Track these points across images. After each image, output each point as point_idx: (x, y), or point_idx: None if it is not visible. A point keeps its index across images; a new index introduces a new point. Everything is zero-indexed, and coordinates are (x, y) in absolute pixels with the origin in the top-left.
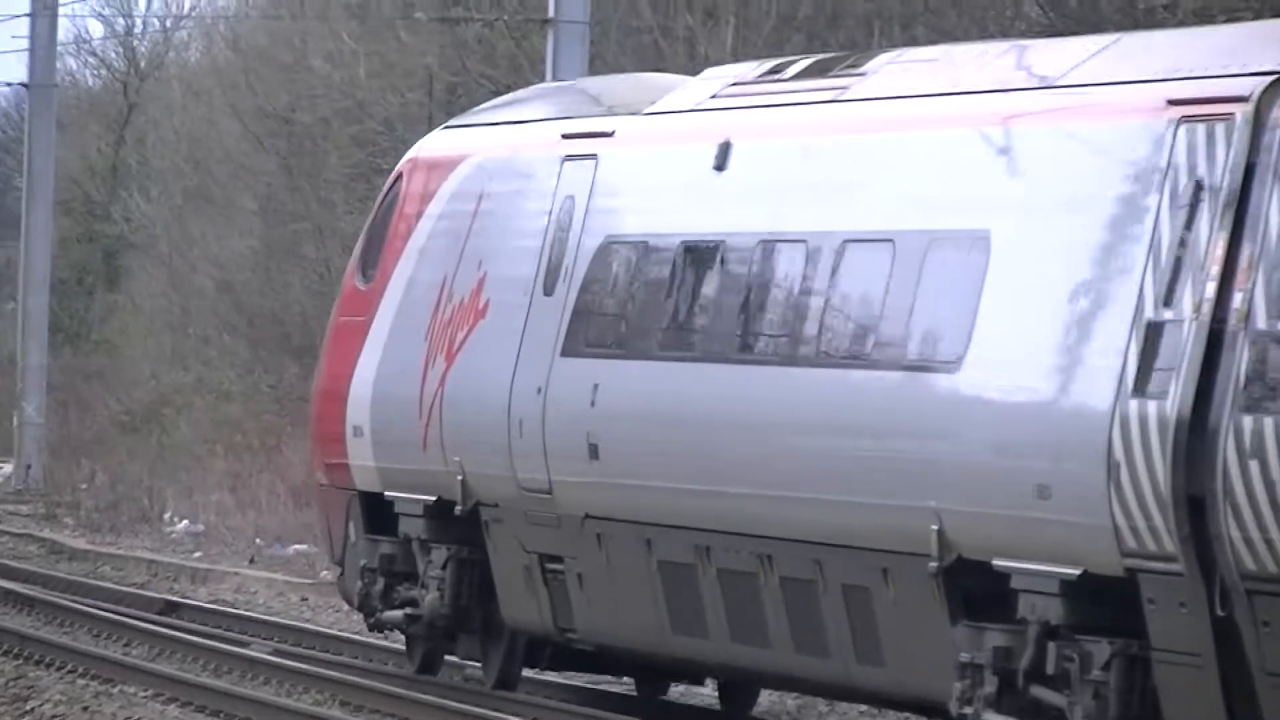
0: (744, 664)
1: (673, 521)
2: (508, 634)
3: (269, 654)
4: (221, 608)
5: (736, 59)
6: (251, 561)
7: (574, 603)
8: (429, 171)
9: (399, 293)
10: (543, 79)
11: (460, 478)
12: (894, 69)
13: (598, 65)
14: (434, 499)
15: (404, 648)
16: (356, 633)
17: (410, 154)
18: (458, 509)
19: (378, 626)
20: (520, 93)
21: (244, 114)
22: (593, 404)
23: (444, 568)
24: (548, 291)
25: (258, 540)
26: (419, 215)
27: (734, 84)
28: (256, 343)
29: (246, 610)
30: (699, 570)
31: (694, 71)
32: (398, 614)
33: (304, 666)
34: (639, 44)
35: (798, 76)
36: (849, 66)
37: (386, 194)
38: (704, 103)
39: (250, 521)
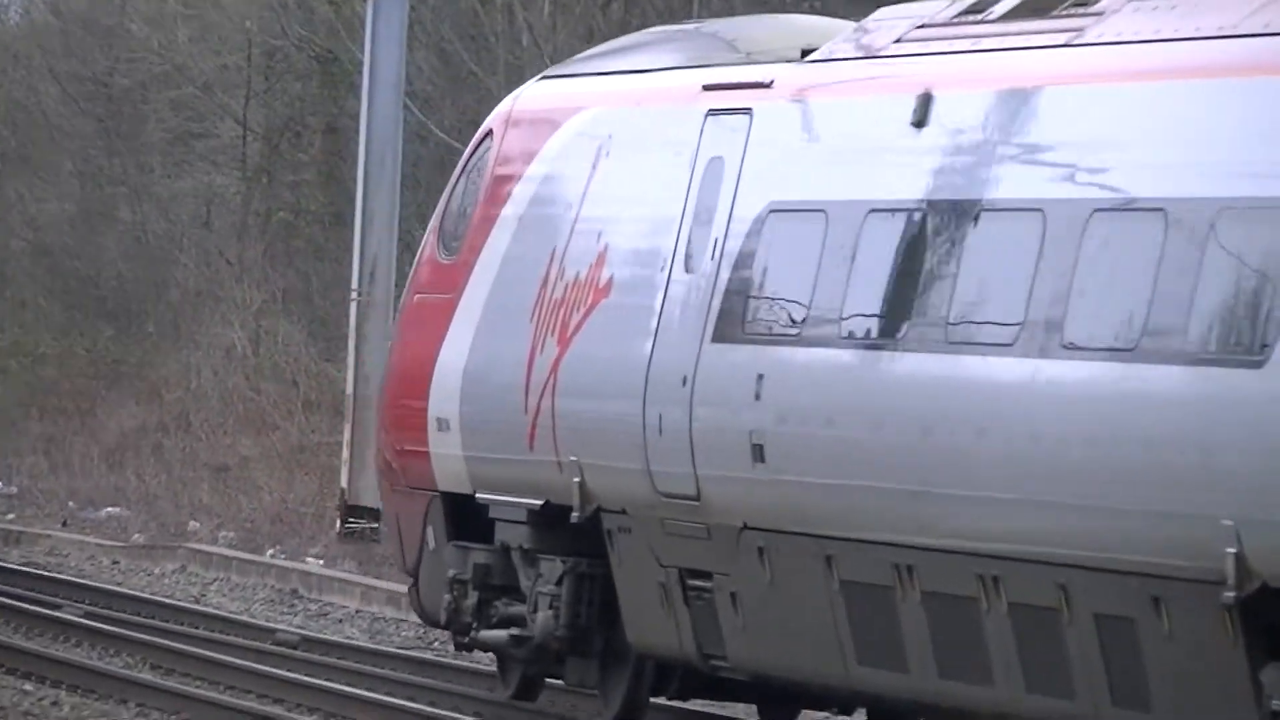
0: (954, 703)
1: (863, 535)
2: (633, 659)
3: (80, 617)
4: (33, 570)
5: (555, 23)
6: (64, 524)
7: (724, 626)
8: (529, 128)
9: (493, 267)
10: (362, 46)
11: (578, 480)
12: (1139, 6)
13: (416, 30)
14: (541, 503)
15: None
16: (168, 597)
17: (502, 108)
18: (574, 515)
19: (471, 646)
20: (631, 38)
21: (62, 77)
22: (757, 397)
23: (559, 583)
24: (690, 268)
25: (70, 503)
26: (517, 178)
27: (923, 26)
28: (72, 306)
29: (58, 573)
30: (897, 593)
31: (514, 37)
32: (500, 634)
33: (115, 629)
34: (456, 10)
35: (1007, 17)
36: (1075, 5)
37: (472, 154)
38: (887, 48)
39: (63, 484)
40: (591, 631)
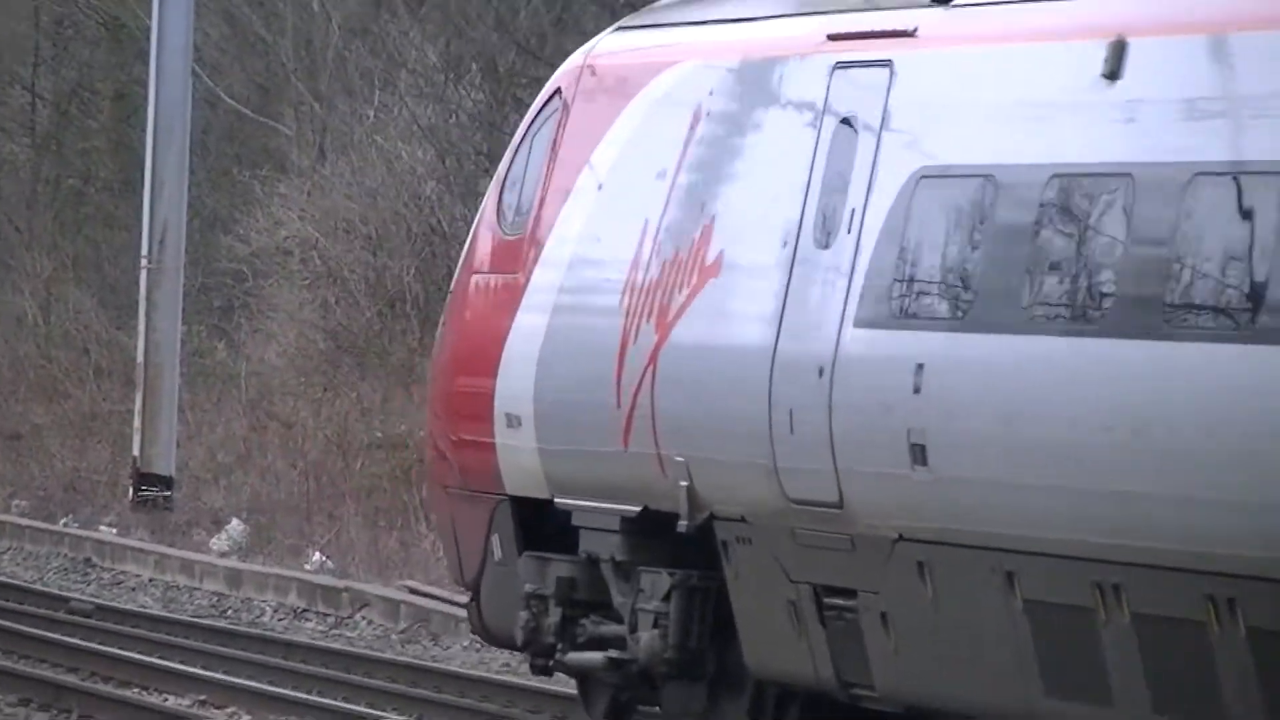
0: None
1: (1055, 549)
2: (751, 685)
3: None
4: None
5: None
6: None
7: (871, 651)
8: (607, 86)
9: (569, 243)
10: (149, 12)
11: (685, 484)
12: None
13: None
14: (638, 509)
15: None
16: None
17: (572, 63)
18: (682, 524)
19: (555, 670)
20: None
21: None
22: (916, 390)
23: (665, 599)
24: (823, 243)
25: None
26: (594, 143)
27: None
28: None
29: None
30: (1099, 615)
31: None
32: (594, 657)
33: None
34: None
35: None
36: None
37: (537, 115)
38: None
39: None
40: (703, 653)
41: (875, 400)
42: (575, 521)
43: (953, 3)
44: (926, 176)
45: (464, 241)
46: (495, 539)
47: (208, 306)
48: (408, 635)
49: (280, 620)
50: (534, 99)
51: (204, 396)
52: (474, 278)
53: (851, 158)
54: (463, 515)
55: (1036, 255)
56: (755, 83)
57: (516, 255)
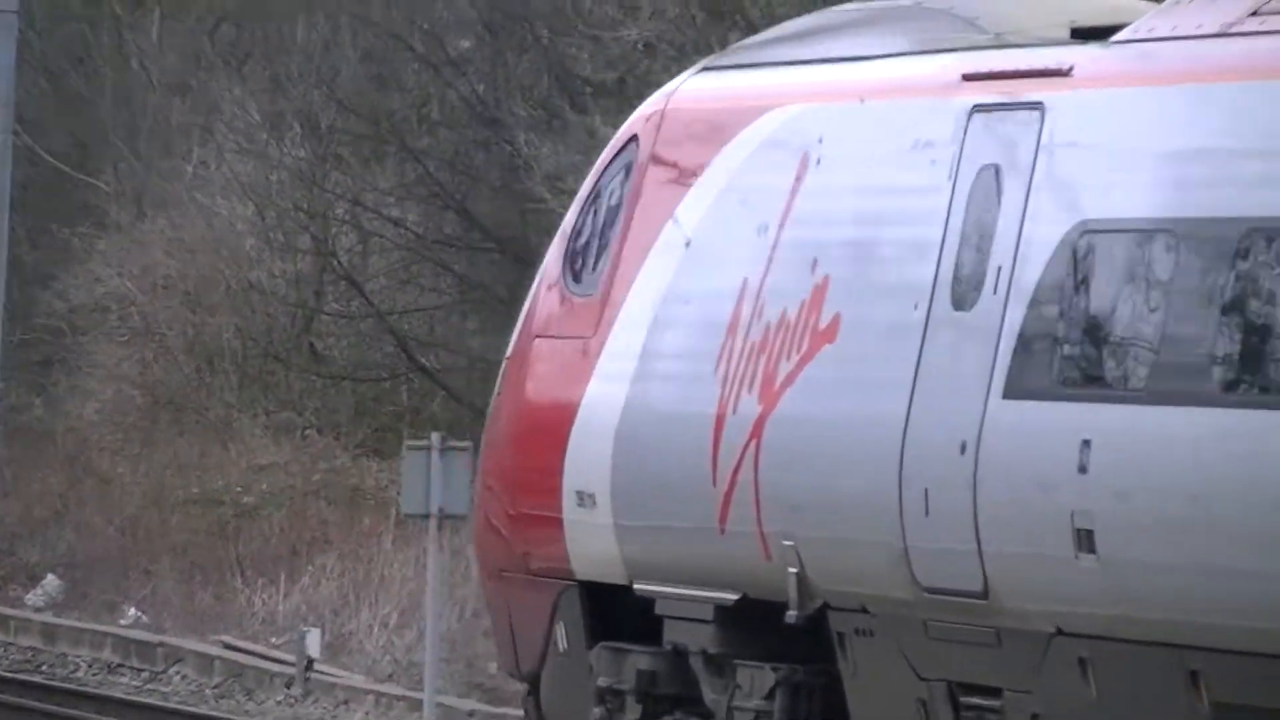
0: None
1: (1250, 645)
2: None
3: None
4: None
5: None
6: None
7: None
8: (693, 131)
9: (650, 303)
10: None
11: (795, 571)
12: None
13: (24, 52)
14: (736, 597)
15: None
16: None
17: (650, 108)
18: (790, 614)
19: None
20: (824, 16)
21: None
22: (1082, 469)
23: (768, 697)
24: (961, 304)
25: None
26: (679, 194)
27: None
28: None
29: None
30: None
31: (123, 59)
32: None
33: None
34: (64, 32)
35: None
36: None
37: (610, 165)
38: (1241, 23)
39: None
40: None
41: (1030, 479)
42: (659, 610)
43: (1112, 39)
44: (1092, 231)
45: (283, 296)
46: (560, 627)
47: (26, 362)
48: (221, 690)
49: (95, 675)
50: (356, 155)
51: (21, 452)
52: (536, 342)
53: (995, 210)
54: (521, 600)
55: (1229, 320)
56: (875, 129)
57: (587, 318)
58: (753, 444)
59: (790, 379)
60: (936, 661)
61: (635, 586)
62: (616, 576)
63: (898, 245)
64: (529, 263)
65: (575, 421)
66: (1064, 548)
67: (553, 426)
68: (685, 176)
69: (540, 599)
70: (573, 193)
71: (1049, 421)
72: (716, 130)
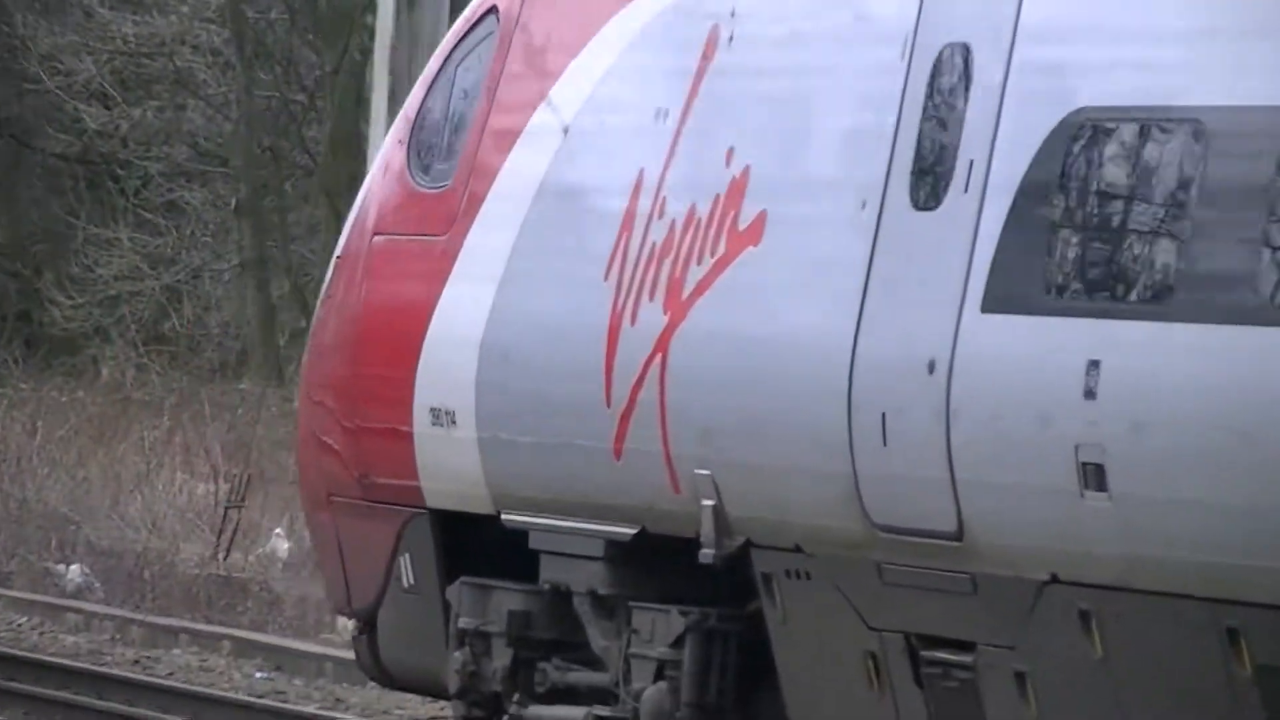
0: None
1: None
2: None
3: None
4: None
5: None
6: None
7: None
8: (570, 3)
9: (519, 197)
10: None
11: (711, 503)
12: None
13: None
14: (633, 532)
15: None
16: None
17: None
18: (706, 553)
19: None
20: None
21: None
22: (1089, 394)
23: (675, 644)
24: (923, 202)
25: None
26: (556, 73)
27: None
28: None
29: None
30: None
31: None
32: (572, 713)
33: None
34: None
35: None
36: None
37: (461, 41)
38: None
39: None
40: (724, 713)
41: (1020, 405)
42: (534, 545)
43: None
44: (1091, 120)
45: None
46: (405, 560)
47: None
48: None
49: None
50: None
51: None
52: (376, 240)
53: (964, 95)
54: (355, 529)
55: (1276, 221)
56: (807, 3)
57: (440, 213)
58: (657, 359)
59: (703, 286)
60: (891, 610)
61: (504, 517)
62: (479, 505)
63: (836, 135)
64: (25, 144)
65: (429, 329)
66: (1065, 483)
67: (400, 334)
68: (559, 54)
69: (380, 528)
70: (69, 73)
71: (1043, 339)
72: (600, 1)
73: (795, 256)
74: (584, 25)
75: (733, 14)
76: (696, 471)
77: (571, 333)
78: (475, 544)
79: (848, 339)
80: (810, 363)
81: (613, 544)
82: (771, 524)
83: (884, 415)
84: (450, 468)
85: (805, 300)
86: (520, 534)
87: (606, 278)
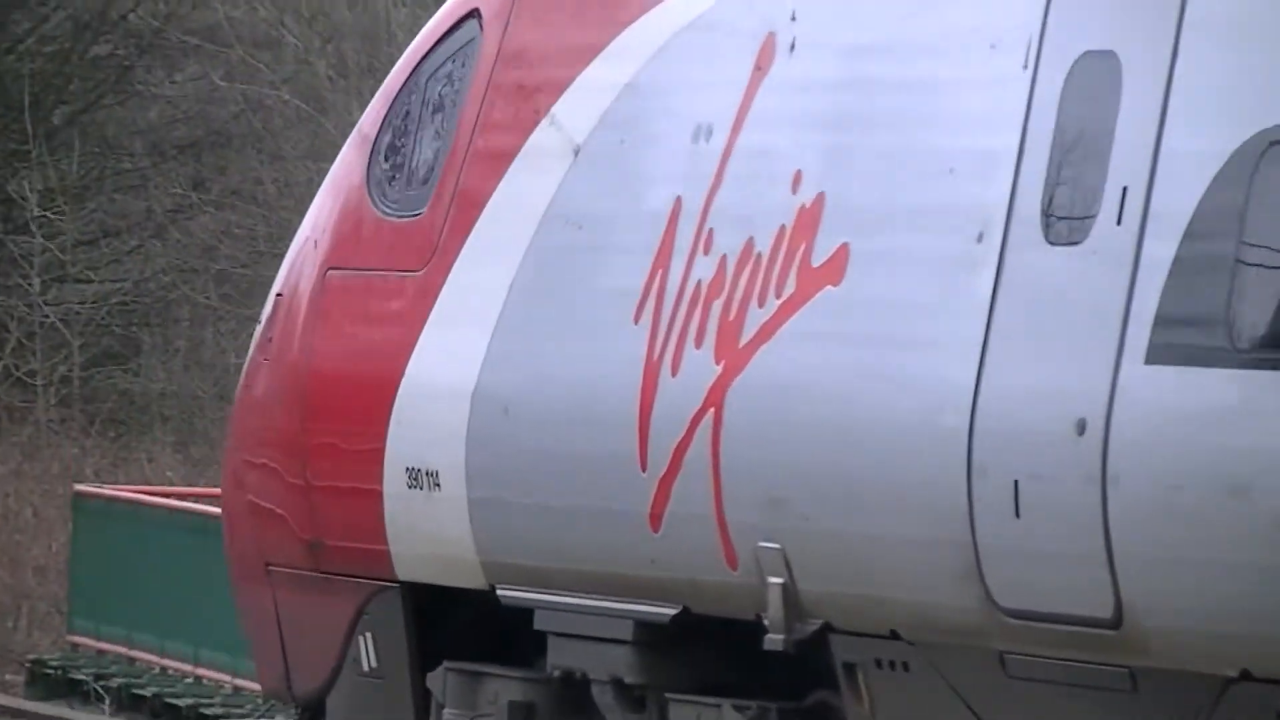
0: None
1: None
2: None
3: None
4: None
5: None
6: None
7: None
8: (579, 4)
9: (519, 227)
10: None
11: (781, 581)
12: None
13: None
14: (673, 612)
15: None
16: None
17: None
18: (774, 639)
19: None
20: None
21: None
22: None
23: None
24: (1062, 236)
25: None
26: (560, 86)
27: None
28: None
29: None
30: None
31: None
32: None
33: None
34: None
35: None
36: None
37: (435, 48)
38: None
39: None
40: None
41: (1206, 471)
42: (541, 625)
43: None
44: None
45: None
46: (365, 640)
47: None
48: None
49: None
50: None
51: None
52: (330, 276)
53: (1111, 113)
54: (298, 604)
55: None
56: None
57: (414, 245)
58: (708, 415)
59: (767, 331)
60: (1017, 709)
61: (500, 593)
62: (467, 579)
63: (938, 157)
64: None
65: (403, 378)
66: (1264, 560)
67: (366, 383)
68: (566, 64)
69: (334, 602)
70: None
71: (1233, 395)
72: (615, 5)
73: (890, 297)
74: (598, 32)
75: (793, 17)
76: (761, 544)
77: (594, 383)
78: (454, 623)
79: (964, 393)
80: (914, 420)
81: (645, 625)
82: (859, 605)
83: (1016, 482)
84: (430, 536)
85: (904, 348)
86: (517, 612)
87: (637, 320)
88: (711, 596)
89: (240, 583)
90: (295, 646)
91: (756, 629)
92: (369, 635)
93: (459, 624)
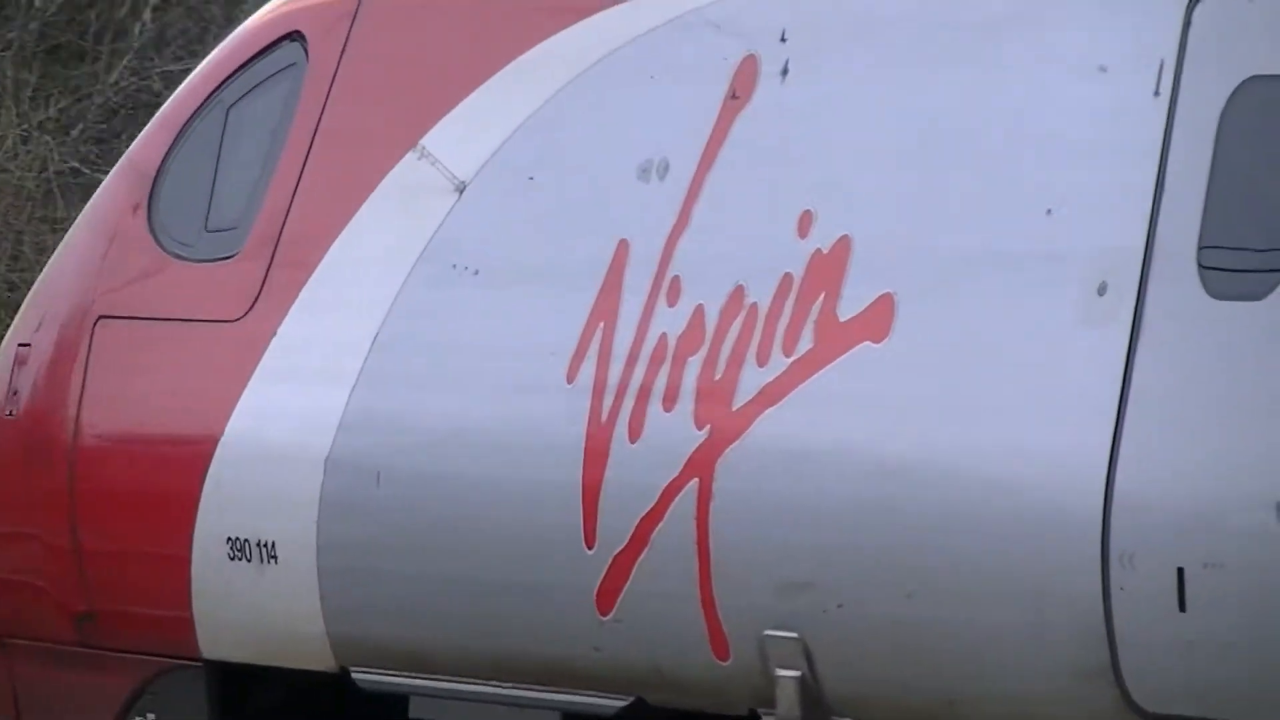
0: None
1: None
2: None
3: None
4: None
5: None
6: None
7: None
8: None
9: (388, 274)
10: None
11: (796, 674)
12: None
13: None
14: (622, 703)
15: None
16: None
17: None
18: None
19: None
20: None
21: None
22: None
23: None
24: (1230, 290)
25: None
26: (435, 113)
27: None
28: None
29: None
30: None
31: None
32: None
33: None
34: None
35: None
36: None
37: (239, 72)
38: None
39: None
40: None
41: None
42: (419, 713)
43: None
44: None
45: None
46: None
47: None
48: None
49: None
50: None
51: None
52: (103, 326)
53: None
54: (48, 682)
55: None
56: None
57: (227, 290)
58: (690, 486)
59: (775, 393)
60: None
61: (358, 676)
62: (306, 659)
63: (1031, 193)
64: None
65: (221, 438)
66: None
67: (163, 442)
68: (438, 91)
69: (103, 681)
70: None
71: None
72: (506, 26)
73: (958, 356)
74: (483, 56)
75: (783, 38)
76: (768, 633)
77: (513, 448)
78: (257, 706)
79: (1095, 471)
80: (1016, 498)
81: (576, 718)
82: (920, 703)
83: (1181, 570)
84: (256, 610)
85: (990, 415)
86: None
87: (572, 380)
88: (682, 687)
89: None
90: None
91: None
92: (150, 717)
93: (263, 708)
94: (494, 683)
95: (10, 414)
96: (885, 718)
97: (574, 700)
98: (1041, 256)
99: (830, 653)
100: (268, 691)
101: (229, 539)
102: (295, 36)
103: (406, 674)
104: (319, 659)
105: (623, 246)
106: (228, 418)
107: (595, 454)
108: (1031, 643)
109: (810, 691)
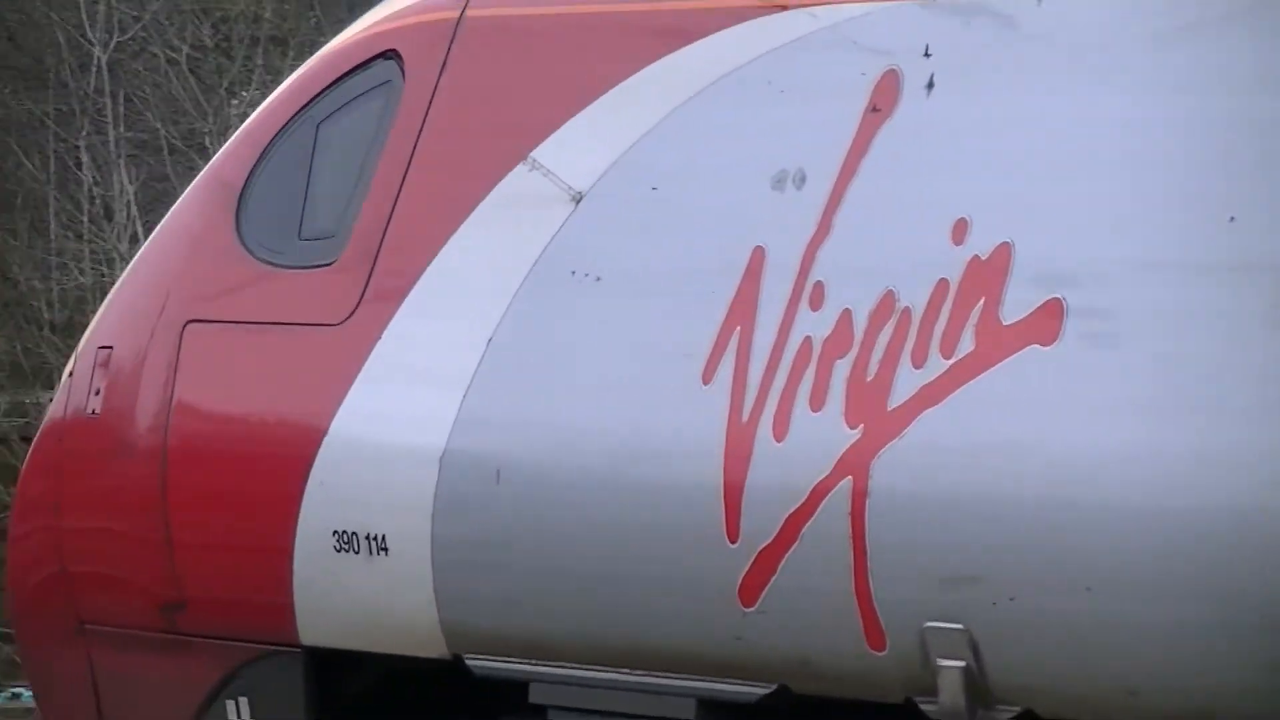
0: None
1: None
2: None
3: None
4: None
5: None
6: None
7: None
8: (525, 37)
9: (504, 280)
10: None
11: (961, 665)
12: None
13: None
14: (767, 690)
15: None
16: None
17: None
18: None
19: None
20: None
21: None
22: None
23: None
24: None
25: None
26: (546, 127)
27: None
28: None
29: None
30: None
31: None
32: None
33: None
34: None
35: None
36: None
37: (332, 88)
38: None
39: None
40: None
41: None
42: (539, 698)
43: None
44: None
45: None
46: (237, 705)
47: None
48: None
49: None
50: None
51: None
52: (192, 330)
53: None
54: (130, 667)
55: None
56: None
57: (327, 296)
58: (843, 484)
59: (934, 394)
60: None
61: (470, 662)
62: (417, 646)
63: (1208, 203)
64: None
65: (325, 439)
66: None
67: (263, 440)
68: (546, 108)
69: (189, 666)
70: None
71: None
72: (619, 44)
73: (1133, 360)
74: (592, 75)
75: (926, 53)
76: (930, 624)
77: (646, 447)
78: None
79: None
80: (1202, 496)
81: (714, 705)
82: (1103, 692)
83: None
84: (363, 599)
85: (1180, 416)
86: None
87: (709, 381)
88: (831, 676)
89: (37, 646)
90: (120, 711)
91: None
92: (243, 701)
93: (354, 693)
94: (623, 670)
95: (93, 413)
96: (1059, 706)
97: (713, 688)
98: (1225, 266)
99: (998, 644)
100: (359, 677)
101: (335, 532)
102: (390, 55)
103: (524, 660)
104: (431, 646)
105: (758, 253)
106: (332, 417)
107: (736, 452)
108: (1223, 637)
109: (975, 680)
